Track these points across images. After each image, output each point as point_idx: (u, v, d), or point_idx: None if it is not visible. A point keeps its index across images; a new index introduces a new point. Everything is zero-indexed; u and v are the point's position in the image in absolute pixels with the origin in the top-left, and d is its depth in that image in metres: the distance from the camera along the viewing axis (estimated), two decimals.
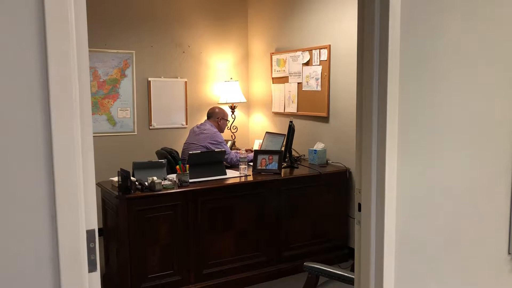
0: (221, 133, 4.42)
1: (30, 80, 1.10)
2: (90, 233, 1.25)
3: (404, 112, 1.71)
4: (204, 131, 4.31)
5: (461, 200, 1.94)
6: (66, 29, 1.13)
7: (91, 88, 4.69)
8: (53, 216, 1.17)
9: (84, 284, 1.22)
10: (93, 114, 4.78)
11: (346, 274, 2.38)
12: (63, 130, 1.15)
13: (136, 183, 3.33)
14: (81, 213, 1.21)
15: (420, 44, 1.74)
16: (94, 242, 1.28)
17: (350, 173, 4.19)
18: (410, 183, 1.77)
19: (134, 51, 4.98)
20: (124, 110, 4.97)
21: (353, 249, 4.33)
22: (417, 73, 1.75)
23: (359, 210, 1.80)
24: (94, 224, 1.27)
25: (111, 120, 4.93)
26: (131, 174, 3.34)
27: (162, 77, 5.17)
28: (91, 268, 1.25)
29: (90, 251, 1.25)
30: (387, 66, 1.65)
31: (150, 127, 5.13)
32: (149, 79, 5.08)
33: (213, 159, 3.84)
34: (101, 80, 4.83)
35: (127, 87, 4.97)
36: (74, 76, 1.16)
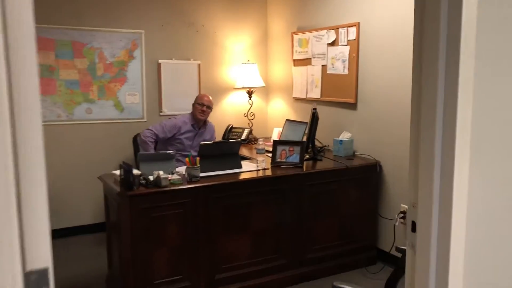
0: (197, 120, 4.23)
1: None
2: (35, 275, 0.87)
3: (479, 106, 1.28)
4: None
5: None
6: None
7: (96, 70, 4.46)
8: None
9: None
10: (99, 99, 4.54)
11: None
12: None
13: (140, 177, 2.99)
14: (15, 247, 0.82)
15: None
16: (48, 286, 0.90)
17: (380, 166, 3.82)
18: (487, 199, 1.34)
19: (143, 31, 4.69)
20: (132, 95, 4.69)
21: (382, 251, 3.92)
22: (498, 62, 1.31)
23: (413, 230, 1.39)
24: (45, 260, 0.89)
25: (118, 106, 4.64)
26: (135, 167, 3.01)
27: (174, 59, 4.90)
28: None
29: None
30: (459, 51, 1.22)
31: (161, 113, 4.85)
32: (160, 61, 4.81)
33: (227, 151, 3.47)
34: (108, 62, 4.51)
35: (136, 70, 4.68)
36: None
